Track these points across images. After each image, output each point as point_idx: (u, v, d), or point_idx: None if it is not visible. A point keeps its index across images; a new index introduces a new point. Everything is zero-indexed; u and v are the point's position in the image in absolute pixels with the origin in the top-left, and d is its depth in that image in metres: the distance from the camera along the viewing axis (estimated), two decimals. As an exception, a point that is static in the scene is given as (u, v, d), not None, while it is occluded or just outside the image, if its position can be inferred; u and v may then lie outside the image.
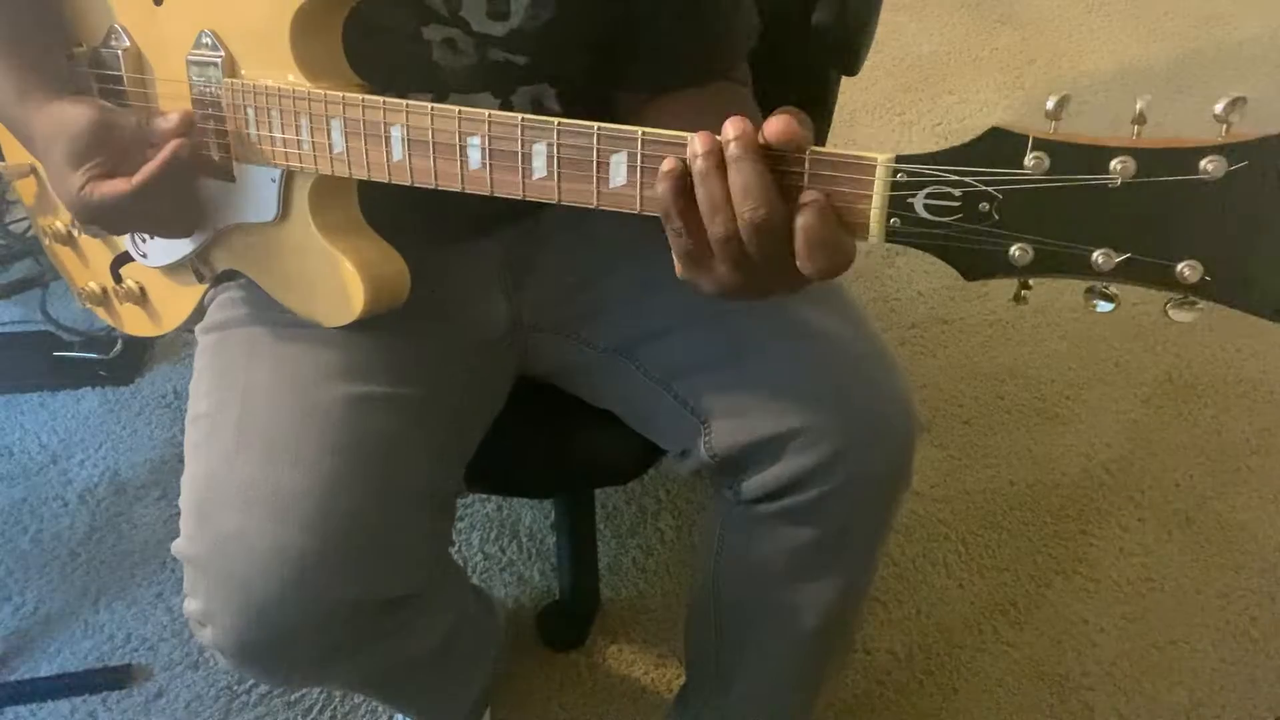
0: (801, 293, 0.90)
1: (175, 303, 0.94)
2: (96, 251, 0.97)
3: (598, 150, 0.65)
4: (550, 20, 0.81)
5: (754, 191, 0.58)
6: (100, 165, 0.76)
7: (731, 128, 0.58)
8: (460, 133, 0.69)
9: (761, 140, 0.58)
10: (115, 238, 0.94)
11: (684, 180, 0.60)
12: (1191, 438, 1.63)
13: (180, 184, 0.78)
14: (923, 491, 1.54)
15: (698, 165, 0.59)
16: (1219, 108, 0.50)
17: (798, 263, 0.59)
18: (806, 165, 0.59)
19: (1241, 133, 0.50)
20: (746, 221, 0.58)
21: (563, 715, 1.28)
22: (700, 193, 0.60)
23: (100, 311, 1.02)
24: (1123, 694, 1.30)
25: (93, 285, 0.99)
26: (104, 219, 0.78)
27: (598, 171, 0.65)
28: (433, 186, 0.72)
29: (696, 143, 0.59)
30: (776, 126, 0.58)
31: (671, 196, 0.60)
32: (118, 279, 0.96)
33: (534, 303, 0.95)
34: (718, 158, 0.59)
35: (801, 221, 0.58)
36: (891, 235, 0.57)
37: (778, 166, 0.59)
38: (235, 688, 1.29)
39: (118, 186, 0.75)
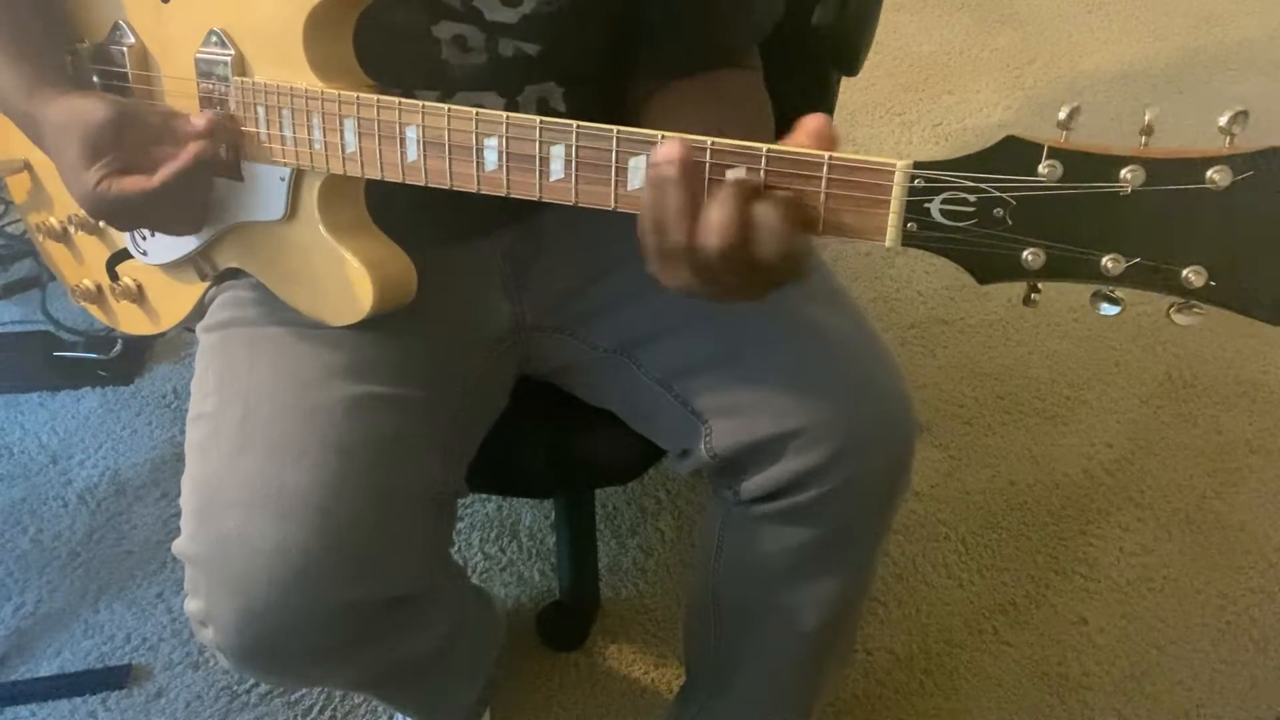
0: (801, 293, 0.91)
1: (174, 301, 0.94)
2: (92, 248, 0.96)
3: (617, 153, 0.65)
4: (564, 4, 0.81)
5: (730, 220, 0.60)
6: (116, 160, 0.75)
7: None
8: (477, 134, 0.69)
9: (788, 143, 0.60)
10: (113, 235, 0.94)
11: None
12: (1191, 438, 1.63)
13: (199, 184, 0.78)
14: (923, 491, 1.54)
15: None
16: (1223, 120, 0.52)
17: (753, 249, 0.61)
18: (825, 170, 0.59)
19: (1245, 144, 0.51)
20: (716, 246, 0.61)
21: (563, 715, 1.28)
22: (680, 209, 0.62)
23: (94, 309, 1.01)
24: (1123, 694, 1.30)
25: (87, 283, 0.98)
26: (119, 215, 0.78)
27: (616, 175, 0.65)
28: (447, 187, 0.71)
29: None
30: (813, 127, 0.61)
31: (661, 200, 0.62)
32: (114, 276, 0.96)
33: (535, 303, 0.94)
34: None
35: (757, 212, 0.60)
36: (908, 239, 0.58)
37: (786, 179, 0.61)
38: (235, 688, 1.29)
39: (138, 183, 0.75)
